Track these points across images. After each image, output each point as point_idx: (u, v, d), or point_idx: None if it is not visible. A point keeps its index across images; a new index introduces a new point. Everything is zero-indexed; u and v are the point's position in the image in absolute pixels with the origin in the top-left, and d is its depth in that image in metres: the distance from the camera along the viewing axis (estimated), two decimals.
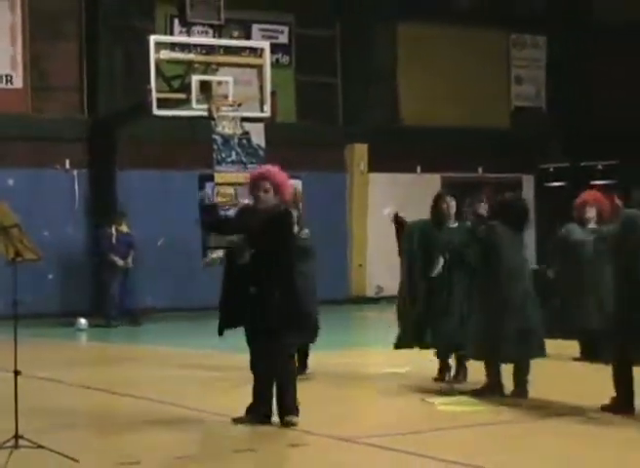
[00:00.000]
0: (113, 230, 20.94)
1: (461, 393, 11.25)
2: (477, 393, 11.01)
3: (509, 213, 11.20)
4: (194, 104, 20.36)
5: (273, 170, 9.81)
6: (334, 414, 10.38)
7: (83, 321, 20.22)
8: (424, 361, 12.32)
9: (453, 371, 12.07)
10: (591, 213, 13.92)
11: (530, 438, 9.30)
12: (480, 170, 25.51)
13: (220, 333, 10.10)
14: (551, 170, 25.05)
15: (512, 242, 11.11)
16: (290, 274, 9.69)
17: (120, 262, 20.90)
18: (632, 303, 9.92)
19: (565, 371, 12.89)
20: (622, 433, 9.30)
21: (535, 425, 9.81)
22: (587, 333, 13.59)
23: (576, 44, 27.22)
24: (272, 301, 9.40)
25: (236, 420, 9.68)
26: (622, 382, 10.02)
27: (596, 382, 10.91)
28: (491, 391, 10.92)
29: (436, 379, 12.09)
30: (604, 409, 10.02)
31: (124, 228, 21.04)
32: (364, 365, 14.48)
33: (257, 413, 9.64)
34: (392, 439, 8.96)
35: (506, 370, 11.01)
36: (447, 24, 25.98)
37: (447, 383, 11.91)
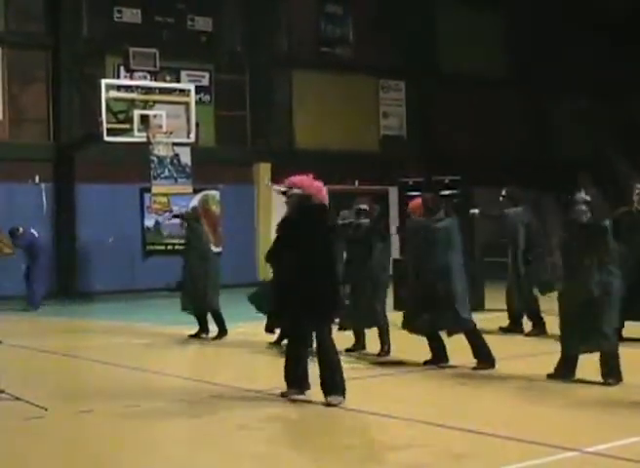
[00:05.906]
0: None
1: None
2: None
3: None
4: (136, 133, 20.29)
5: None
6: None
7: None
8: None
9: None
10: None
11: (398, 388, 9.42)
12: (357, 183, 25.72)
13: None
14: (410, 183, 25.11)
15: None
16: None
17: None
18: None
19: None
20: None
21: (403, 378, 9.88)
22: None
23: (426, 88, 27.76)
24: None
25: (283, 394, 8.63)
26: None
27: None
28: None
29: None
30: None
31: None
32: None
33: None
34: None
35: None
36: (331, 72, 26.19)
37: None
